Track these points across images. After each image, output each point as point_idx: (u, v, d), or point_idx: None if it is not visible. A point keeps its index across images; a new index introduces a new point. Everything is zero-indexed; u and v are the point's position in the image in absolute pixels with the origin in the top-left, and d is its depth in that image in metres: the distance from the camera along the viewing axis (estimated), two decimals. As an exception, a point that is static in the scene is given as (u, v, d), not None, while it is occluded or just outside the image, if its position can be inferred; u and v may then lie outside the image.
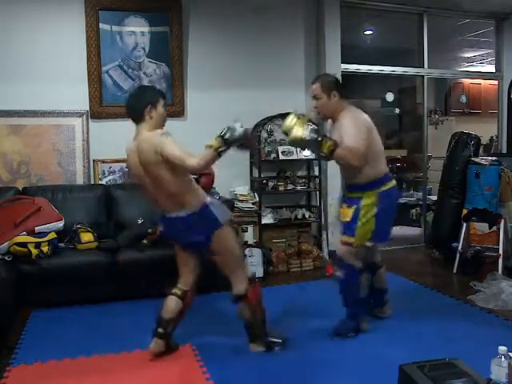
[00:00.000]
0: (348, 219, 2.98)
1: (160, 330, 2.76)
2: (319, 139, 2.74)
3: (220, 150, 2.45)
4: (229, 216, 2.76)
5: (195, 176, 2.90)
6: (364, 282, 3.08)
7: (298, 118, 2.78)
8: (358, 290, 3.04)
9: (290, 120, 2.78)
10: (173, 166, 2.51)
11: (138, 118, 2.63)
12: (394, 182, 3.06)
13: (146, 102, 2.61)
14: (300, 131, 2.74)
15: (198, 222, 2.61)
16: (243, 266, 2.86)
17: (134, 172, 2.69)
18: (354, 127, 2.82)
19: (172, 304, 2.78)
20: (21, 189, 4.12)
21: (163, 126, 2.69)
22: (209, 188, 2.86)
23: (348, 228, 2.98)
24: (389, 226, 3.12)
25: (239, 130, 2.49)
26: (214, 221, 2.63)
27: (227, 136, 2.47)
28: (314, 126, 2.84)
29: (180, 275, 2.86)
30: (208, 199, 2.68)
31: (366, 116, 2.96)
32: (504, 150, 5.98)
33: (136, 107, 2.62)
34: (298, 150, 4.90)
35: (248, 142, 2.61)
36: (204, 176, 2.83)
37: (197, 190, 2.69)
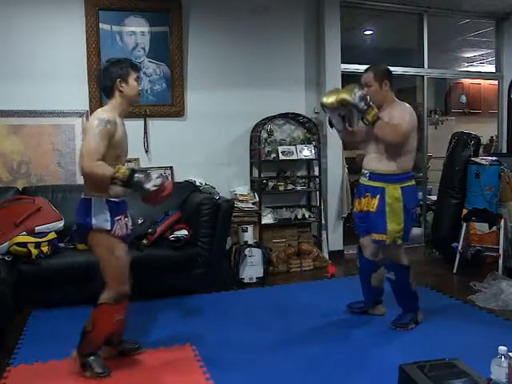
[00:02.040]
0: (373, 210, 3.00)
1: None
2: (365, 106, 2.83)
3: (116, 181, 2.37)
4: (106, 227, 2.46)
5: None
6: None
7: (350, 85, 2.91)
8: (409, 286, 3.11)
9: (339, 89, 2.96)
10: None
11: (108, 94, 2.56)
12: (414, 182, 3.09)
13: (115, 76, 2.51)
14: (347, 94, 2.84)
15: (78, 211, 2.53)
16: (117, 281, 2.55)
17: None
18: (402, 112, 2.96)
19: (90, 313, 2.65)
20: (21, 189, 4.12)
21: (136, 100, 2.63)
22: (153, 204, 2.60)
23: (379, 225, 2.99)
24: (411, 225, 3.12)
25: (149, 186, 2.37)
26: (86, 219, 2.46)
27: (136, 178, 2.36)
28: (362, 92, 2.86)
29: None
30: (99, 198, 2.47)
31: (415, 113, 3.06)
32: (504, 150, 5.98)
33: (105, 83, 2.55)
34: (298, 150, 4.92)
35: (150, 199, 2.48)
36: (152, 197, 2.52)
37: (97, 185, 2.46)
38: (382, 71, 3.04)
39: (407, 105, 3.06)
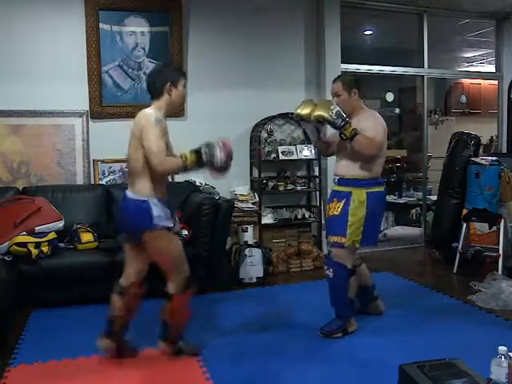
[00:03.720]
0: (336, 213, 3.02)
1: (107, 328, 2.74)
2: (343, 123, 2.85)
3: (189, 167, 2.51)
4: (170, 224, 2.59)
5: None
6: (353, 283, 3.07)
7: (325, 101, 2.99)
8: (346, 291, 3.04)
9: (313, 101, 2.99)
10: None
11: (156, 95, 2.62)
12: (383, 188, 3.10)
13: (167, 79, 2.60)
14: (324, 110, 2.87)
15: (133, 212, 2.57)
16: (180, 269, 2.69)
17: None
18: (375, 123, 2.99)
19: (114, 302, 2.73)
20: (21, 189, 4.12)
21: (181, 104, 2.71)
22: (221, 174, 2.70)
23: (339, 228, 3.01)
24: (376, 230, 3.15)
25: (218, 153, 2.47)
26: (146, 220, 2.52)
27: (205, 156, 2.48)
28: (339, 109, 2.89)
29: (124, 270, 2.76)
30: (153, 198, 2.55)
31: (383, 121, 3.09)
32: (504, 150, 5.98)
33: (156, 83, 2.62)
34: (298, 150, 4.92)
35: (222, 169, 2.54)
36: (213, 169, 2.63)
37: (151, 182, 2.55)
38: (350, 80, 3.09)
39: (377, 113, 3.10)
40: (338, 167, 3.14)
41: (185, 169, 2.54)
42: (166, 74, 2.62)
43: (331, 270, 3.04)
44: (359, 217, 2.97)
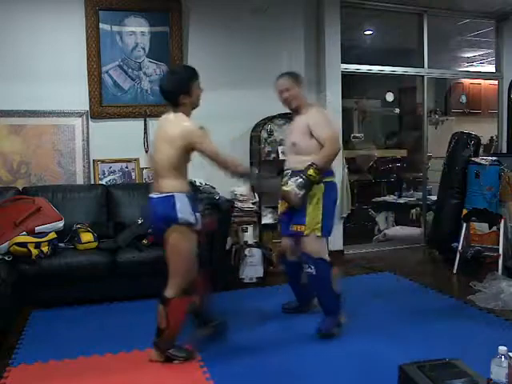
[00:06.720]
0: None
1: (155, 339, 2.72)
2: (308, 185, 2.98)
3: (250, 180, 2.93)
4: (192, 221, 2.60)
5: None
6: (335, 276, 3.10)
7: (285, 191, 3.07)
8: (330, 283, 3.05)
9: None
10: (187, 153, 2.63)
11: (174, 105, 2.68)
12: (335, 179, 3.18)
13: (179, 90, 2.64)
14: (289, 189, 3.01)
15: (159, 208, 2.61)
16: (185, 275, 2.66)
17: (153, 146, 2.79)
18: (324, 118, 3.09)
19: (159, 311, 2.67)
20: (21, 189, 4.12)
21: (197, 105, 2.74)
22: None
23: (297, 217, 3.05)
24: (332, 221, 3.17)
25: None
26: (171, 215, 2.55)
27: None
28: (295, 181, 3.01)
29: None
30: (179, 194, 2.59)
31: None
32: (504, 150, 5.98)
33: (171, 96, 2.68)
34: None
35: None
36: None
37: (182, 181, 2.65)
38: (296, 75, 3.17)
39: (320, 107, 3.30)
40: (290, 162, 3.20)
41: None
42: (176, 85, 2.65)
43: (313, 268, 3.04)
44: (316, 206, 3.04)
